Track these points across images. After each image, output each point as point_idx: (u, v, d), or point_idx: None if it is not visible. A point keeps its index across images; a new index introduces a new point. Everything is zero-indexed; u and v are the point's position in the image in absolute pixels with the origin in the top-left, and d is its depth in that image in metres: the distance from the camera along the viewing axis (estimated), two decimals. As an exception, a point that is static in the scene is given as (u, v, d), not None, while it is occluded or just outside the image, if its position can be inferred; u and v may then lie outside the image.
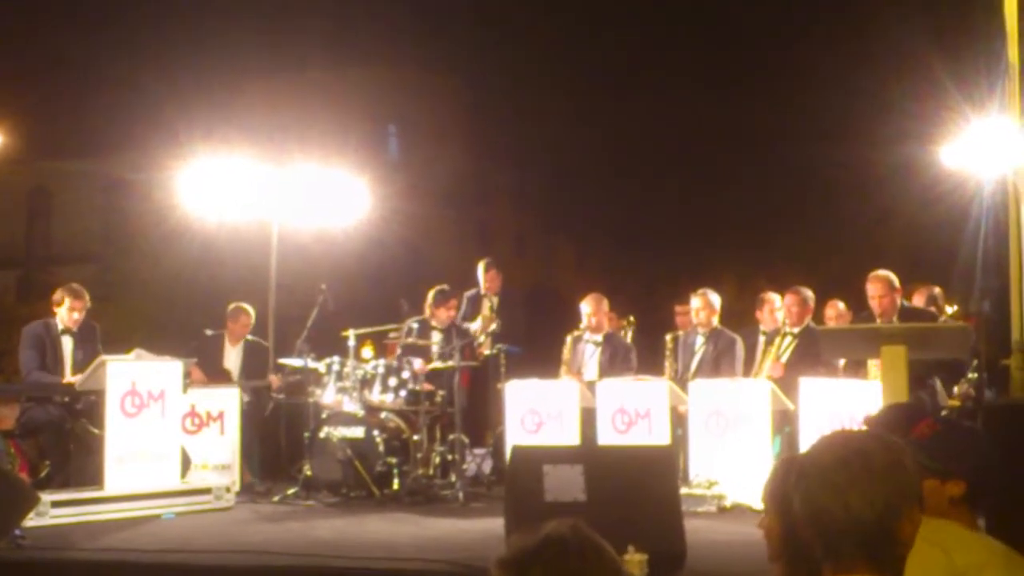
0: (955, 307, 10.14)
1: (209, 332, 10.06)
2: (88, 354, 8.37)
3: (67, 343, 8.51)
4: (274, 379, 9.86)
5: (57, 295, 8.60)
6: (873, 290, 8.17)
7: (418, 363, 9.25)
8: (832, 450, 2.22)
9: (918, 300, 9.26)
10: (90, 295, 8.78)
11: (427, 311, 9.87)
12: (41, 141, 32.89)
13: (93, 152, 32.70)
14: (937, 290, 9.39)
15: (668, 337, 9.82)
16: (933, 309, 9.03)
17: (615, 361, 9.60)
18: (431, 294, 9.90)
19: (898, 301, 8.19)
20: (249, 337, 10.07)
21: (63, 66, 32.91)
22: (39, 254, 35.86)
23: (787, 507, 2.74)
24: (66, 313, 8.49)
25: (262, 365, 10.06)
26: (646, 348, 10.45)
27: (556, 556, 2.04)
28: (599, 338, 9.70)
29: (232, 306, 10.13)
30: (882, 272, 8.25)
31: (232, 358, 9.99)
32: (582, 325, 9.74)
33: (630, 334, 10.70)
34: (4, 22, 33.02)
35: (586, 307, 9.71)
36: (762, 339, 9.33)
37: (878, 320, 8.04)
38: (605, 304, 9.80)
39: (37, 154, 33.53)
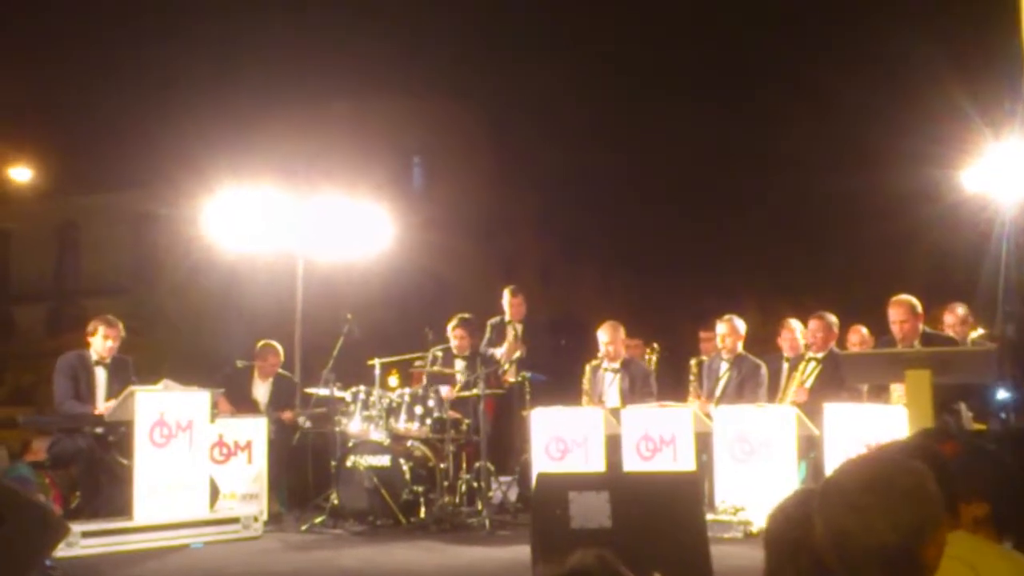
0: (981, 330, 10.07)
1: (240, 364, 10.13)
2: (121, 386, 8.40)
3: (101, 374, 8.60)
4: (288, 415, 9.90)
5: (91, 326, 8.70)
6: (895, 315, 8.15)
7: (445, 390, 9.32)
8: (855, 474, 2.24)
9: (949, 318, 9.23)
10: (121, 327, 8.87)
11: (451, 340, 9.98)
12: (70, 176, 33.31)
13: (121, 186, 33.04)
14: (962, 310, 9.35)
15: (693, 362, 9.86)
16: (966, 326, 9.02)
17: (635, 387, 9.64)
18: (452, 322, 10.03)
19: (920, 326, 8.15)
20: (280, 372, 10.15)
21: (91, 102, 33.32)
22: (68, 288, 36.18)
23: (770, 547, 2.77)
24: (100, 342, 8.58)
25: (290, 398, 10.13)
26: (670, 375, 10.47)
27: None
28: (617, 365, 9.75)
29: (261, 344, 10.20)
30: (904, 297, 8.23)
31: (261, 391, 10.08)
32: (600, 353, 9.79)
33: (655, 361, 10.72)
34: (33, 59, 33.48)
35: (603, 335, 9.77)
36: (785, 365, 9.33)
37: (899, 345, 8.03)
38: (622, 332, 9.85)
39: (66, 189, 33.97)
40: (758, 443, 8.37)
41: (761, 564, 6.28)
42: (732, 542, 7.54)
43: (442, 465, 8.93)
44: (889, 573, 2.17)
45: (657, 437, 8.77)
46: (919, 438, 3.26)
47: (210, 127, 28.60)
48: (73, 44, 34.81)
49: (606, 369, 9.77)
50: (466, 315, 10.10)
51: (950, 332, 8.93)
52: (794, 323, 9.66)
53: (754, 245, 28.31)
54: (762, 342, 11.40)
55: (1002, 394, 8.29)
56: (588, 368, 9.88)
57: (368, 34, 32.51)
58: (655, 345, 11.14)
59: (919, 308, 8.18)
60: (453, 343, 10.00)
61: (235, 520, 8.12)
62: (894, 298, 8.26)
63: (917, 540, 2.17)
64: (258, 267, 15.81)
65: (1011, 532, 2.90)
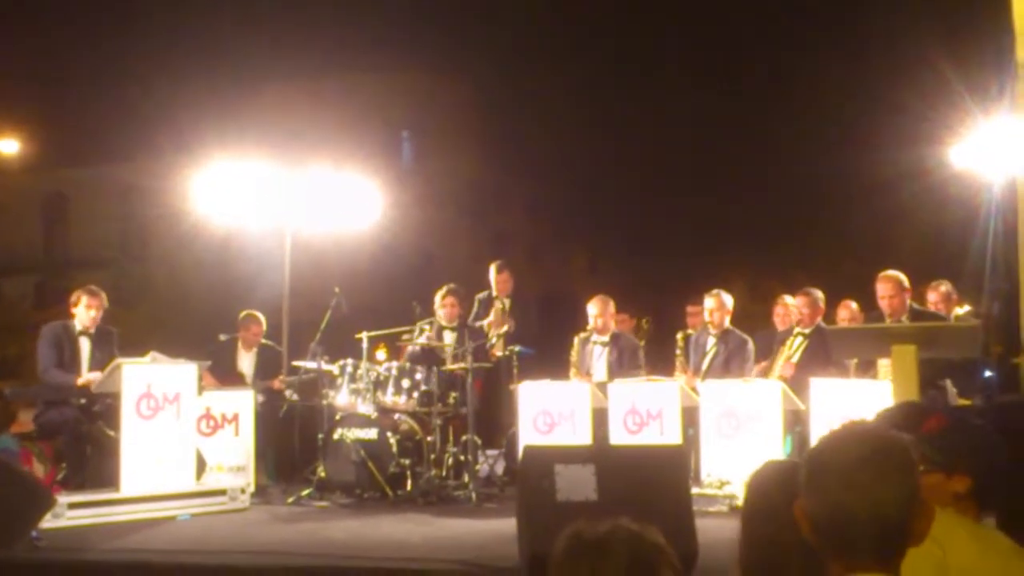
0: (967, 307, 10.11)
1: (223, 337, 10.14)
2: (105, 357, 8.43)
3: (84, 344, 8.60)
4: (277, 382, 9.92)
5: (74, 296, 8.70)
6: (883, 290, 8.18)
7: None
8: (849, 448, 2.21)
9: (932, 295, 9.27)
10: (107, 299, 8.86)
11: (437, 312, 9.98)
12: (57, 148, 33.17)
13: (109, 158, 32.92)
14: (945, 287, 9.38)
15: (679, 336, 9.88)
16: (950, 303, 9.05)
17: (623, 360, 9.66)
18: (437, 294, 10.03)
19: (907, 301, 8.19)
20: (263, 341, 10.16)
21: (78, 74, 33.13)
22: (56, 260, 36.11)
23: (747, 518, 2.76)
24: (83, 312, 8.57)
25: (275, 369, 10.14)
26: (658, 351, 10.49)
27: (633, 539, 2.08)
28: (606, 339, 9.77)
29: (243, 314, 10.22)
30: (891, 272, 8.26)
31: (246, 363, 10.09)
32: (589, 326, 9.81)
33: (644, 335, 10.75)
34: (20, 32, 33.24)
35: (592, 308, 9.79)
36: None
37: (887, 320, 8.06)
38: (611, 306, 9.87)
39: (54, 161, 33.83)
40: (744, 417, 8.40)
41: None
42: (717, 515, 7.56)
43: (429, 438, 8.94)
44: (880, 546, 2.16)
45: (644, 411, 8.79)
46: (902, 409, 3.25)
47: (200, 100, 28.53)
48: (62, 16, 34.61)
49: (595, 342, 9.79)
50: (449, 285, 10.12)
51: (933, 309, 8.97)
52: (789, 299, 9.69)
53: (744, 222, 28.37)
54: (751, 318, 11.44)
55: (988, 373, 8.32)
56: (577, 340, 9.90)
57: (359, 9, 32.34)
58: (644, 320, 11.17)
59: (907, 283, 8.21)
60: (442, 312, 9.97)
61: (222, 492, 8.11)
62: (882, 273, 8.29)
63: (910, 513, 2.17)
64: (246, 240, 15.78)
65: (993, 508, 2.86)
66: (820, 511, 2.19)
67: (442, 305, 9.99)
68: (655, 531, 2.13)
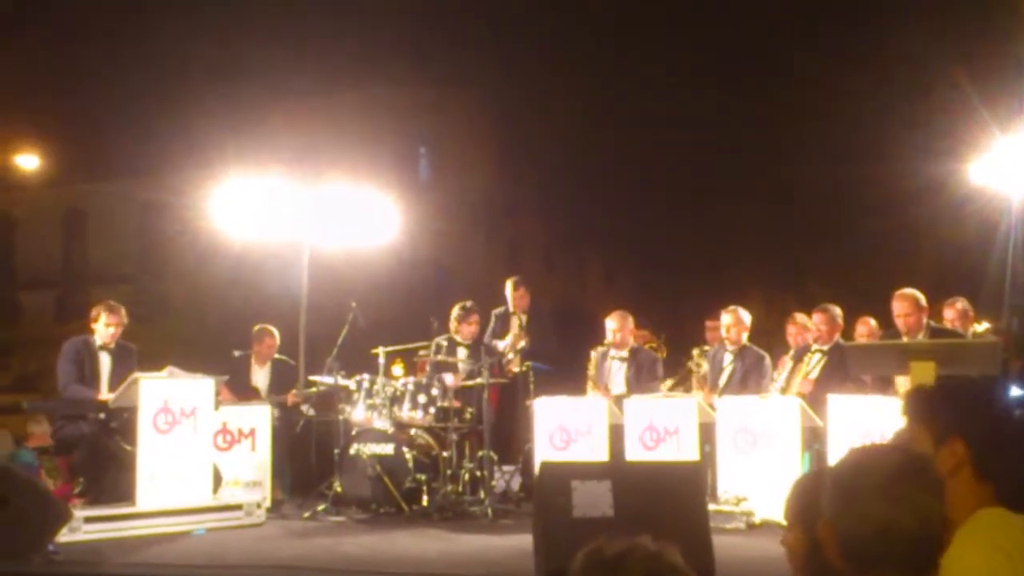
0: (986, 324, 10.06)
1: (237, 353, 10.15)
2: (125, 372, 8.39)
3: (105, 360, 8.62)
4: (292, 396, 9.94)
5: (94, 311, 8.73)
6: (899, 308, 8.15)
7: (450, 378, 9.33)
8: (883, 464, 2.22)
9: (949, 312, 9.23)
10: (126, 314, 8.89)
11: (452, 328, 9.97)
12: (77, 163, 33.39)
13: (128, 174, 33.08)
14: (961, 303, 9.34)
15: (695, 352, 9.87)
16: (966, 320, 9.00)
17: (641, 375, 9.64)
18: (455, 310, 10.01)
19: (924, 320, 8.17)
20: (277, 356, 10.18)
21: (98, 90, 33.35)
22: (76, 275, 36.27)
23: (813, 522, 2.74)
24: (103, 329, 8.60)
25: (290, 383, 10.15)
26: (675, 366, 10.46)
27: (650, 559, 2.07)
28: (624, 354, 9.75)
29: (257, 328, 10.23)
30: (908, 290, 8.23)
31: (260, 377, 10.10)
32: (607, 341, 9.79)
33: (662, 351, 10.73)
34: (40, 47, 33.51)
35: (611, 323, 9.77)
36: (789, 362, 9.32)
37: (904, 338, 8.02)
38: (630, 321, 9.85)
39: (74, 176, 34.04)
40: (761, 434, 8.37)
41: (762, 554, 6.29)
42: (734, 532, 7.55)
43: (445, 454, 8.94)
44: (922, 560, 2.19)
45: (661, 427, 8.77)
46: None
47: (217, 115, 28.65)
48: (81, 31, 34.85)
49: (613, 357, 9.77)
50: (466, 302, 10.10)
51: (950, 326, 8.93)
52: (801, 317, 9.66)
53: (761, 237, 28.30)
54: (767, 334, 11.40)
55: (1015, 391, 8.24)
56: (595, 354, 9.88)
57: (375, 24, 32.49)
58: (660, 339, 11.14)
59: (923, 302, 8.18)
60: (464, 330, 9.94)
61: (238, 507, 8.12)
62: (898, 292, 8.27)
63: (944, 526, 2.20)
64: (264, 255, 15.82)
65: (991, 476, 2.75)
66: (861, 528, 2.17)
67: (467, 323, 9.96)
68: (674, 551, 2.12)
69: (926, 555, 2.18)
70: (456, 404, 9.18)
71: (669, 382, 10.19)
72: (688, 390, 9.83)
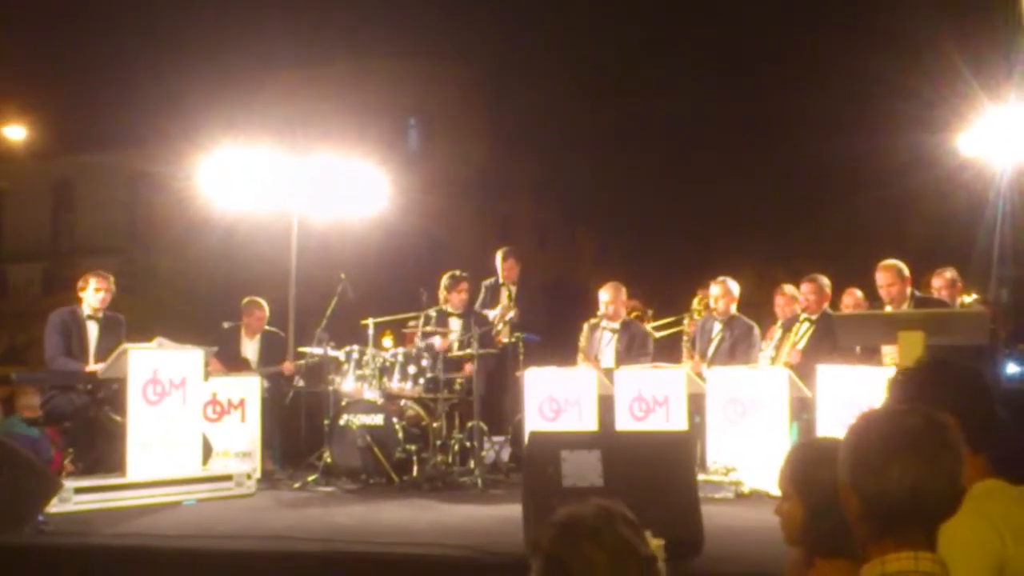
0: (975, 296, 10.09)
1: (226, 324, 10.15)
2: (112, 343, 8.40)
3: (92, 329, 8.59)
4: (287, 365, 9.95)
5: (82, 280, 8.69)
6: (882, 279, 8.19)
7: (438, 340, 9.35)
8: (905, 425, 2.24)
9: (937, 281, 9.25)
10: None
11: (442, 297, 9.96)
12: (65, 135, 33.17)
13: (116, 145, 32.90)
14: (950, 273, 9.36)
15: (686, 321, 9.88)
16: (954, 290, 9.03)
17: (632, 348, 9.65)
18: (444, 280, 9.99)
19: (908, 290, 8.20)
20: (266, 328, 10.17)
21: (86, 61, 33.10)
22: (64, 247, 36.15)
23: (811, 491, 2.75)
24: (92, 295, 8.57)
25: (280, 355, 10.15)
26: (665, 338, 10.47)
27: (607, 521, 2.12)
28: (616, 325, 9.75)
29: (246, 300, 10.23)
30: (890, 261, 8.26)
31: (250, 349, 10.11)
32: (599, 312, 9.79)
33: (651, 323, 10.74)
34: (27, 19, 33.23)
35: (604, 295, 9.76)
36: (775, 329, 9.35)
37: (888, 308, 8.05)
38: (623, 293, 9.85)
39: (61, 148, 33.83)
40: (750, 404, 8.40)
41: (751, 523, 6.29)
42: (723, 502, 7.58)
43: (435, 424, 8.96)
44: (940, 520, 2.23)
45: (650, 398, 8.79)
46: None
47: (206, 86, 28.47)
48: (68, 3, 34.55)
49: (604, 328, 9.77)
50: (455, 271, 10.07)
51: (937, 295, 8.96)
52: (789, 288, 9.67)
53: (750, 209, 28.27)
54: (757, 306, 11.41)
55: (1012, 368, 8.27)
56: (586, 326, 9.88)
57: (365, -6, 32.24)
58: (645, 310, 11.15)
59: (906, 272, 8.21)
60: (453, 298, 9.91)
61: (228, 477, 8.14)
62: (881, 263, 8.31)
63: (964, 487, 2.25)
64: (253, 227, 15.78)
65: (983, 448, 2.79)
66: (893, 489, 2.19)
67: (457, 291, 9.93)
68: (620, 503, 2.21)
69: (949, 513, 2.22)
70: (451, 374, 9.19)
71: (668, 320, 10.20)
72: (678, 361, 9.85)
